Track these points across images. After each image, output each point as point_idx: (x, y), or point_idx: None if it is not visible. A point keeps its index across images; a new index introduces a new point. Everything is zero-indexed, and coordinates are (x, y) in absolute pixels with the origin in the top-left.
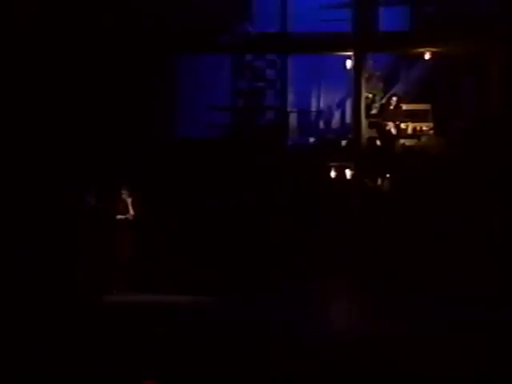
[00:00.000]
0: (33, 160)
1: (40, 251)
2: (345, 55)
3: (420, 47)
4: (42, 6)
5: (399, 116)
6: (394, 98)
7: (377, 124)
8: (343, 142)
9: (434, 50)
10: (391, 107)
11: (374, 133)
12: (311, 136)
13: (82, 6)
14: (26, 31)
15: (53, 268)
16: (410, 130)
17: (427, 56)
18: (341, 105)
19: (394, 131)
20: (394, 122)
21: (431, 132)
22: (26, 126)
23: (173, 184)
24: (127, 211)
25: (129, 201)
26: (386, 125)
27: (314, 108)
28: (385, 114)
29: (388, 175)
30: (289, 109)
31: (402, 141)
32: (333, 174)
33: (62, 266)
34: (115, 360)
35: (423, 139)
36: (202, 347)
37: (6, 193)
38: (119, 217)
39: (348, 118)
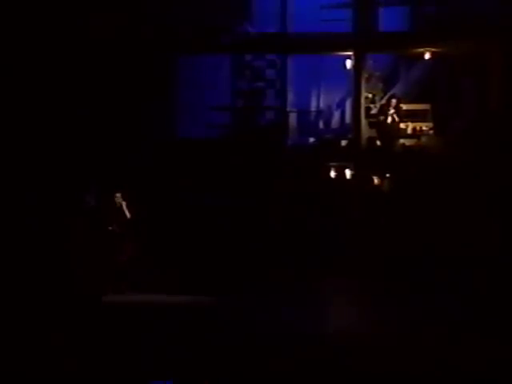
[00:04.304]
0: (33, 160)
1: (39, 251)
2: (345, 55)
3: (420, 47)
4: (43, 5)
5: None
6: (394, 100)
7: (377, 123)
8: (343, 142)
9: (434, 49)
10: (390, 108)
11: (373, 133)
12: (311, 136)
13: (83, 7)
14: (28, 31)
15: (52, 268)
16: (409, 130)
17: (427, 56)
18: (341, 105)
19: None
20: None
21: (431, 132)
22: (27, 126)
23: (173, 184)
24: (126, 211)
25: (126, 201)
26: (385, 121)
27: (313, 108)
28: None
29: (388, 175)
30: (289, 109)
31: (401, 141)
32: (333, 174)
33: (61, 265)
34: (115, 360)
35: (423, 139)
36: (202, 347)
37: (6, 193)
38: (118, 217)
39: (348, 118)
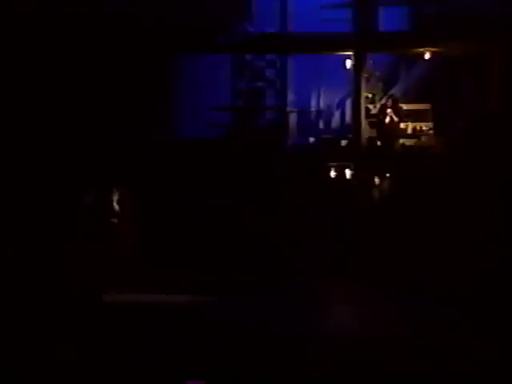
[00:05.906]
0: (32, 160)
1: (39, 251)
2: (345, 55)
3: (420, 47)
4: (42, 5)
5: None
6: (390, 100)
7: (377, 123)
8: (343, 142)
9: (434, 49)
10: (389, 108)
11: (374, 133)
12: (311, 136)
13: (82, 6)
14: (26, 31)
15: (52, 268)
16: (409, 130)
17: (427, 56)
18: (341, 105)
19: (395, 118)
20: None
21: (431, 132)
22: (27, 125)
23: (173, 184)
24: (125, 211)
25: (126, 200)
26: (385, 119)
27: (313, 108)
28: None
29: (388, 175)
30: (288, 109)
31: (401, 141)
32: (333, 174)
33: (61, 266)
34: (115, 360)
35: (423, 139)
36: (202, 347)
37: (6, 193)
38: (117, 217)
39: (348, 118)
